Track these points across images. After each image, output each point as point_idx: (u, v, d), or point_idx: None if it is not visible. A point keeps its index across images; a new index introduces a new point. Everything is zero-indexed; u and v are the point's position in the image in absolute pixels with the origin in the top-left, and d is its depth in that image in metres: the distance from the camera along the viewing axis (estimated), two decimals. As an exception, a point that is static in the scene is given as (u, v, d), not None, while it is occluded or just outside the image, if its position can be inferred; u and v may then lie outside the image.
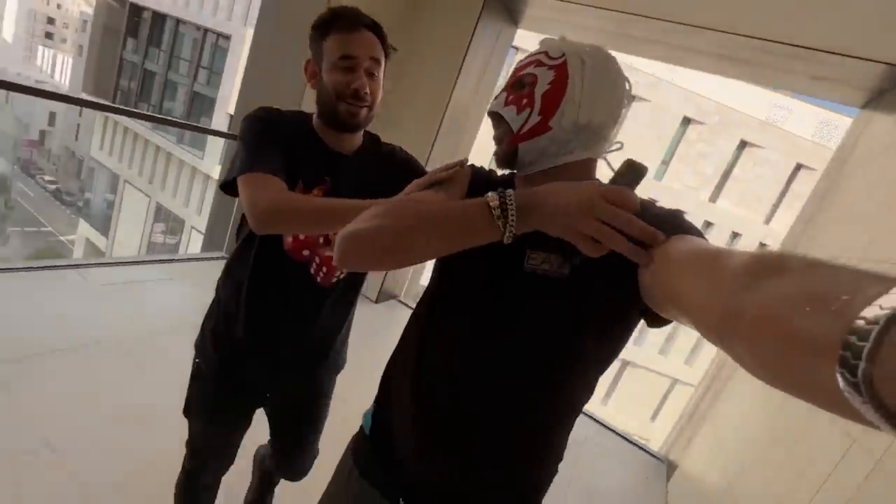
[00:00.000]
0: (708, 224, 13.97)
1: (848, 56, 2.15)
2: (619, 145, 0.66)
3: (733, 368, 2.58)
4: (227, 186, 0.83)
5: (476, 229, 0.51)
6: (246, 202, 0.78)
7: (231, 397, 1.02)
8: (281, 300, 0.95)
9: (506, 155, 0.64)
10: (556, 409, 0.64)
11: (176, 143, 16.84)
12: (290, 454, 1.20)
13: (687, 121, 13.88)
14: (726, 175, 14.22)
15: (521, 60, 0.64)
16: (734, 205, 14.19)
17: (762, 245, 13.24)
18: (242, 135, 0.85)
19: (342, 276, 0.98)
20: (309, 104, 0.98)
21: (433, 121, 3.31)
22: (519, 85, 0.62)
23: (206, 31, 17.22)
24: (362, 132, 0.95)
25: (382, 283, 3.62)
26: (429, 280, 0.71)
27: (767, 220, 14.25)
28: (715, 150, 13.95)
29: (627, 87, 0.63)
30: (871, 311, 0.22)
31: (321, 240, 0.93)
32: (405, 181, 0.72)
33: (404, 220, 0.54)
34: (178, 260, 3.18)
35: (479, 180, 0.68)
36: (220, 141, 15.76)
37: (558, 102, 0.59)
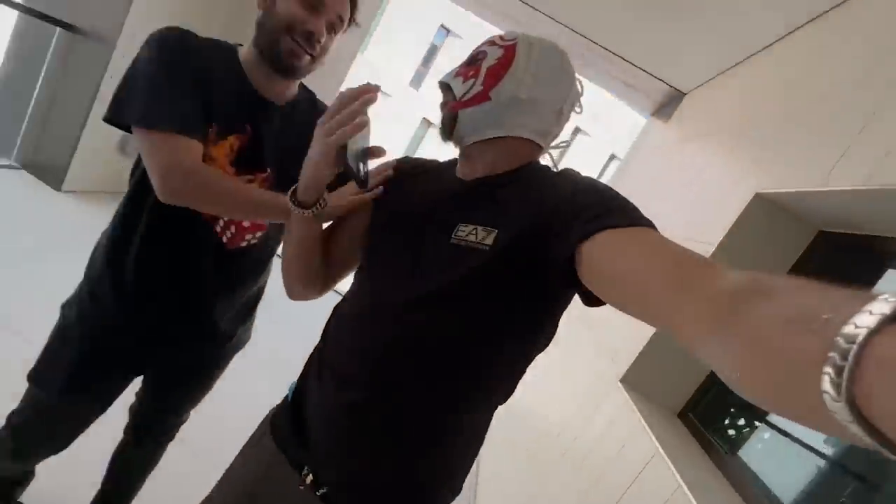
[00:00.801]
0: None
1: (649, 73, 2.79)
2: (565, 143, 0.68)
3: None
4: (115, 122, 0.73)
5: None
6: (153, 165, 0.70)
7: (101, 366, 0.89)
8: (178, 261, 0.84)
9: (446, 120, 0.66)
10: (459, 388, 0.60)
11: None
12: (153, 417, 1.08)
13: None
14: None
15: (482, 43, 0.67)
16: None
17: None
18: (147, 63, 0.72)
19: (253, 240, 0.88)
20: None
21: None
22: (470, 60, 0.65)
23: None
24: (298, 83, 0.86)
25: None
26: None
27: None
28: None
29: (576, 89, 0.65)
30: (849, 329, 0.22)
31: None
32: None
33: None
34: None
35: (412, 168, 0.73)
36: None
37: (501, 76, 0.62)
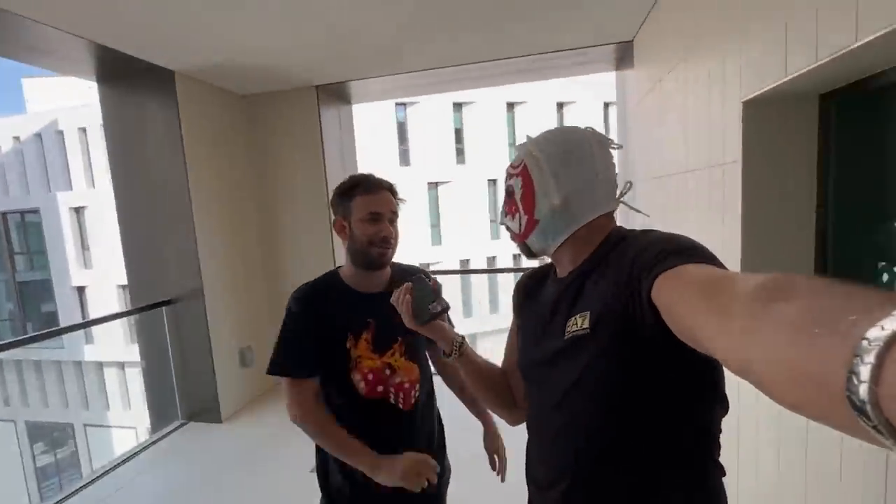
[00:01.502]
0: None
1: (587, 47, 2.99)
2: (628, 185, 0.73)
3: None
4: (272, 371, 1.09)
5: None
6: (287, 399, 1.06)
7: None
8: (382, 436, 1.05)
9: (522, 249, 0.76)
10: (625, 463, 0.62)
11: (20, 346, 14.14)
12: None
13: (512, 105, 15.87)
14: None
15: (506, 170, 0.76)
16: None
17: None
18: (283, 325, 1.08)
19: (417, 393, 1.11)
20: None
21: (322, 208, 3.62)
22: (507, 195, 0.75)
23: (5, 214, 15.02)
24: (389, 267, 1.12)
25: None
26: None
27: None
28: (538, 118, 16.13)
29: (591, 142, 0.69)
30: (874, 333, 0.21)
31: (387, 371, 1.07)
32: None
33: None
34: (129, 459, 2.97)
35: (531, 280, 0.82)
36: (75, 313, 13.71)
37: (533, 200, 0.69)
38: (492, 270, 14.31)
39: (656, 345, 0.54)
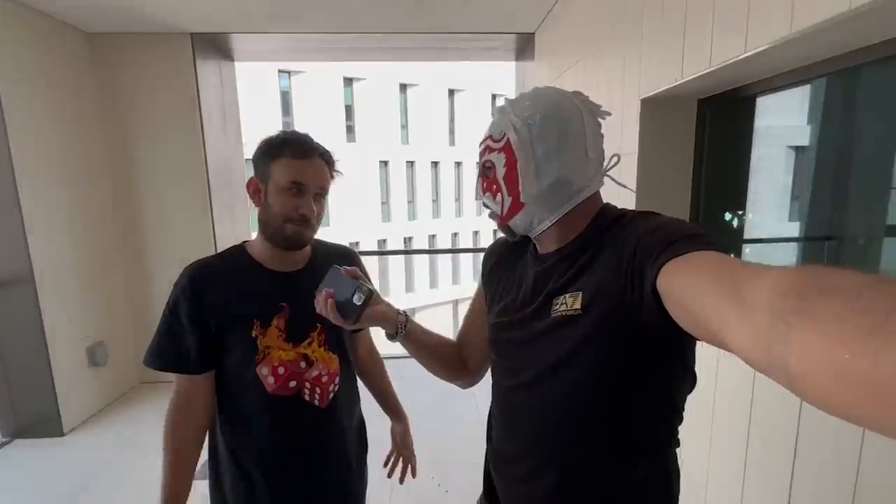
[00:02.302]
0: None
1: (495, 33, 3.07)
2: (615, 159, 0.67)
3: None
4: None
5: None
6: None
7: None
8: (291, 440, 0.94)
9: (504, 230, 0.70)
10: (598, 443, 0.62)
11: None
12: None
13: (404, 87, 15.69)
14: (451, 121, 16.95)
15: (480, 141, 0.69)
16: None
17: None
18: (168, 306, 0.90)
19: (336, 388, 0.98)
20: None
21: (200, 181, 3.13)
22: (485, 170, 0.68)
23: None
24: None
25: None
26: None
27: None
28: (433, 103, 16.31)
29: (582, 111, 0.63)
30: None
31: (302, 364, 0.93)
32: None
33: None
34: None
35: (499, 257, 0.78)
36: None
37: (517, 180, 0.63)
38: (382, 252, 14.19)
39: (650, 330, 0.53)
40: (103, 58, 2.97)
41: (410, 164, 15.78)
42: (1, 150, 2.39)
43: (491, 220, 0.71)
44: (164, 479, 0.91)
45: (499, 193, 0.66)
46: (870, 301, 0.25)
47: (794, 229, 1.64)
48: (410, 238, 15.65)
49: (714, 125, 1.58)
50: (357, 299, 0.71)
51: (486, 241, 15.32)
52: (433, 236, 16.23)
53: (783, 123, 1.60)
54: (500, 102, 0.69)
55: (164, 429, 0.92)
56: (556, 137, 0.62)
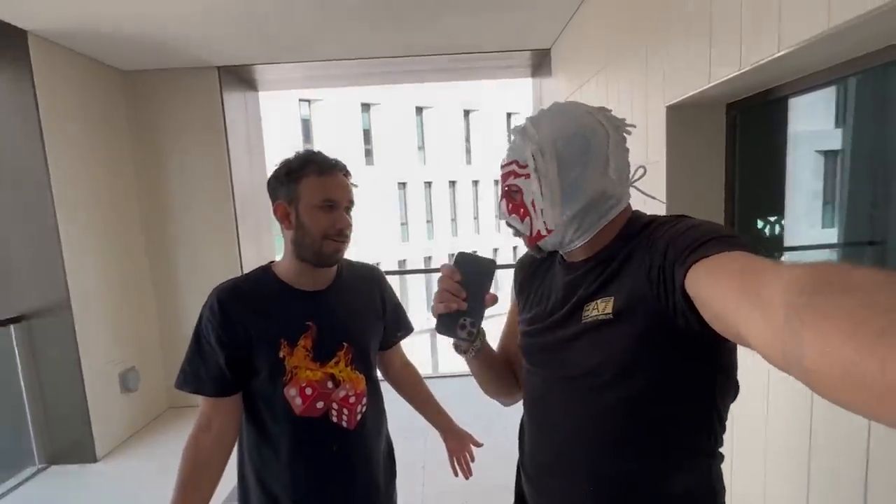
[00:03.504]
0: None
1: (509, 51, 3.10)
2: (641, 171, 0.66)
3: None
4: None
5: None
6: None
7: None
8: (319, 464, 0.93)
9: (533, 250, 0.69)
10: (635, 452, 0.60)
11: None
12: None
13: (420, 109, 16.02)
14: (467, 140, 17.14)
15: (503, 163, 0.68)
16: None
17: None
18: (198, 329, 0.91)
19: (364, 408, 0.97)
20: None
21: (227, 207, 3.22)
22: (511, 194, 0.66)
23: None
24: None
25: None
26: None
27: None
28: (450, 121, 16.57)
29: (608, 129, 0.62)
30: None
31: (329, 384, 0.92)
32: (382, 300, 1.00)
33: None
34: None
35: (528, 269, 0.77)
36: None
37: (546, 207, 0.63)
38: (403, 272, 14.26)
39: (685, 334, 0.52)
40: (136, 93, 3.13)
41: (428, 184, 15.94)
42: (42, 184, 2.52)
43: (516, 238, 0.70)
44: (174, 496, 0.88)
45: (527, 217, 0.65)
46: (885, 300, 0.24)
47: (831, 235, 1.56)
48: (430, 258, 15.68)
49: (745, 129, 1.53)
50: (465, 334, 0.65)
51: (506, 257, 15.22)
52: (452, 255, 16.21)
53: (812, 129, 1.54)
54: (519, 121, 0.68)
55: (183, 449, 0.90)
56: (581, 159, 0.61)
